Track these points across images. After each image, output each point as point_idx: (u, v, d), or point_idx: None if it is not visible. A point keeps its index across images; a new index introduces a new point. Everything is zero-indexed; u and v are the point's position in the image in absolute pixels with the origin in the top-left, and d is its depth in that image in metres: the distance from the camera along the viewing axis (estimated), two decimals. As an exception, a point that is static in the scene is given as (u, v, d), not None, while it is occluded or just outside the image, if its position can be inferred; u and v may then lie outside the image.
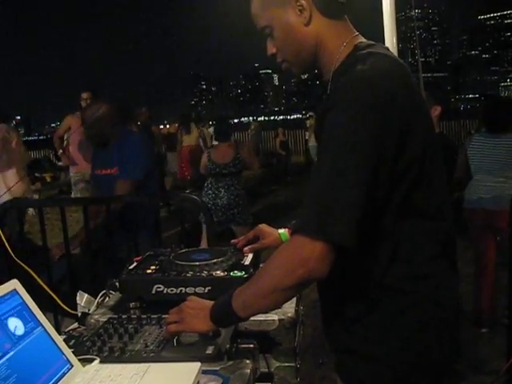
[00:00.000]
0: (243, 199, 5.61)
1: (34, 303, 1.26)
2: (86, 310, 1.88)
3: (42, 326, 1.25)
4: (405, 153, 1.28)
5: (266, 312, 1.52)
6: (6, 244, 2.56)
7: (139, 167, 3.54)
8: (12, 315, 1.18)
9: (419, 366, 1.38)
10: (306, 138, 17.29)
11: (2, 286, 1.20)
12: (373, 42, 1.45)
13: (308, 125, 16.69)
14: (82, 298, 1.96)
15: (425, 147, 1.33)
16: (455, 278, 1.47)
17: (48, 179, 13.20)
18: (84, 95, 6.60)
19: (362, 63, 1.31)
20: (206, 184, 5.69)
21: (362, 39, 1.47)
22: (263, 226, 1.98)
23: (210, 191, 5.56)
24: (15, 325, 1.18)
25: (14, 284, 1.23)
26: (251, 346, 1.55)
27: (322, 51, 1.46)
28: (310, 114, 17.39)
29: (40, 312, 1.26)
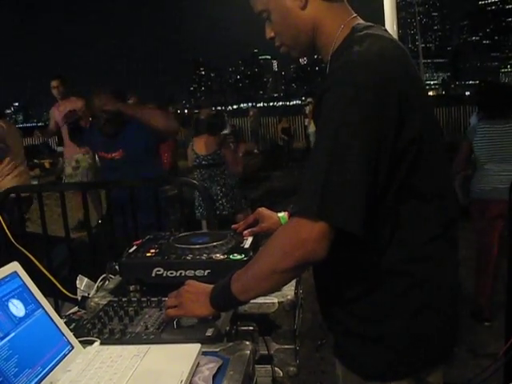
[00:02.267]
0: (232, 188, 5.59)
1: (34, 285, 1.26)
2: (86, 294, 1.89)
3: (43, 308, 1.25)
4: (403, 135, 1.27)
5: (266, 295, 1.52)
6: (6, 229, 2.57)
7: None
8: (13, 297, 1.19)
9: (418, 348, 1.39)
10: (306, 123, 17.28)
11: (3, 268, 1.20)
12: (371, 24, 1.44)
13: (307, 111, 16.66)
14: (82, 282, 1.97)
15: (423, 129, 1.32)
16: (455, 261, 1.47)
17: (47, 165, 13.16)
18: (54, 83, 6.69)
19: (359, 45, 1.31)
20: (195, 175, 5.68)
21: (360, 21, 1.46)
22: (262, 210, 1.98)
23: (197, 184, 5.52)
24: (16, 306, 1.18)
25: (15, 266, 1.24)
26: (251, 328, 1.56)
27: (320, 34, 1.45)
28: (310, 100, 17.34)
29: (40, 294, 1.27)
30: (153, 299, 1.60)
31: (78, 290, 1.96)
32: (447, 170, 1.47)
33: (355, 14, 1.47)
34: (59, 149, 6.98)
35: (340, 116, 1.24)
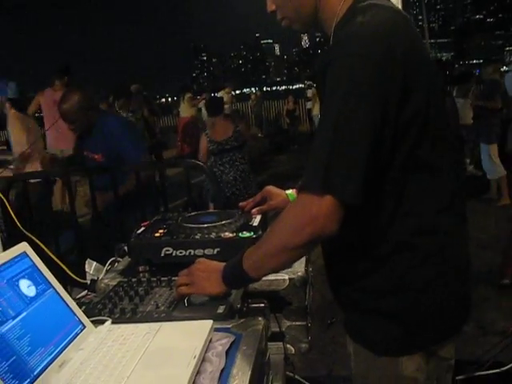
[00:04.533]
0: (249, 173, 5.50)
1: (44, 265, 1.26)
2: (95, 278, 1.89)
3: (53, 288, 1.25)
4: (408, 105, 1.25)
5: (277, 271, 1.51)
6: (13, 216, 2.56)
7: (136, 146, 3.55)
8: (23, 277, 1.18)
9: (429, 322, 1.37)
10: (308, 107, 17.20)
11: (12, 248, 1.20)
12: None
13: (310, 94, 16.57)
14: (91, 266, 1.97)
15: (429, 99, 1.30)
16: (464, 234, 1.46)
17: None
18: (57, 82, 6.36)
19: (363, 15, 1.28)
20: (209, 163, 5.46)
21: None
22: (270, 188, 1.97)
23: (214, 169, 5.34)
24: (27, 286, 1.18)
25: (24, 247, 1.23)
26: (262, 305, 1.55)
27: (323, 6, 1.42)
28: (310, 83, 17.22)
29: (50, 274, 1.26)
30: (163, 279, 1.60)
31: (88, 274, 1.96)
32: (454, 143, 1.45)
33: None
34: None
35: (344, 88, 1.22)
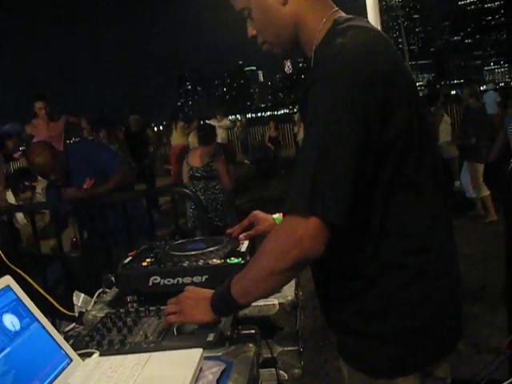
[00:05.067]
0: (221, 203, 5.47)
1: (28, 299, 1.23)
2: (84, 310, 1.86)
3: (39, 322, 1.22)
4: (390, 125, 1.26)
5: (266, 297, 1.49)
6: (-1, 249, 2.52)
7: (110, 155, 3.62)
8: (7, 311, 1.16)
9: (422, 342, 1.36)
10: (295, 131, 17.30)
11: (-5, 283, 1.17)
12: (352, 16, 1.43)
13: (296, 118, 16.69)
14: (79, 298, 1.94)
15: (411, 118, 1.31)
16: (453, 251, 1.46)
17: (38, 189, 13.04)
18: (38, 104, 6.51)
19: (342, 36, 1.30)
20: (189, 188, 5.49)
21: (342, 14, 1.45)
22: (257, 213, 1.96)
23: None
24: (11, 321, 1.15)
25: (7, 280, 1.21)
26: (252, 331, 1.52)
27: (302, 29, 1.43)
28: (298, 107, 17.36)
29: (36, 307, 1.24)
30: (151, 308, 1.58)
31: (76, 307, 1.92)
32: (437, 160, 1.46)
33: (336, 8, 1.46)
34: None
35: (326, 110, 1.23)
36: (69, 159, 3.63)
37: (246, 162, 18.11)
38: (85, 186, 3.55)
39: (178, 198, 3.59)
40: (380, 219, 1.32)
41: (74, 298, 1.95)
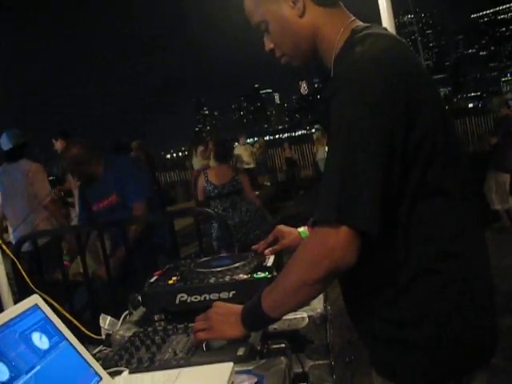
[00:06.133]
0: (255, 212, 5.43)
1: (56, 317, 1.23)
2: (110, 332, 1.85)
3: (67, 340, 1.22)
4: (415, 130, 1.25)
5: (297, 309, 1.47)
6: (25, 276, 2.54)
7: (143, 185, 3.64)
8: (36, 330, 1.15)
9: (455, 352, 1.32)
10: (314, 151, 17.33)
11: (23, 301, 1.17)
12: (369, 24, 1.42)
13: (315, 138, 16.72)
14: (105, 321, 1.93)
15: (435, 123, 1.29)
16: (485, 257, 1.42)
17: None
18: (58, 144, 6.28)
19: (361, 45, 1.29)
20: (212, 208, 5.30)
21: (359, 23, 1.44)
22: (282, 227, 1.95)
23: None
24: (40, 339, 1.15)
25: (35, 299, 1.20)
26: (282, 345, 1.50)
27: (321, 40, 1.43)
28: (317, 126, 17.41)
29: (64, 326, 1.23)
30: (179, 326, 1.56)
31: (102, 330, 1.91)
32: (466, 164, 1.43)
33: (354, 17, 1.45)
34: (70, 199, 6.89)
35: (350, 118, 1.22)
36: (107, 169, 3.74)
37: (266, 183, 18.14)
38: (106, 202, 3.65)
39: (201, 219, 3.58)
40: (409, 225, 1.30)
41: (101, 321, 1.94)
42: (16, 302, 2.32)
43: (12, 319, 1.11)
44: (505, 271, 5.15)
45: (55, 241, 3.29)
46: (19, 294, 2.66)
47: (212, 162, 8.11)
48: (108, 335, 1.82)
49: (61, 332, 1.21)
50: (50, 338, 1.17)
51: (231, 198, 5.41)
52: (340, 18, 1.43)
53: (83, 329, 2.10)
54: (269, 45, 1.49)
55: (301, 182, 16.42)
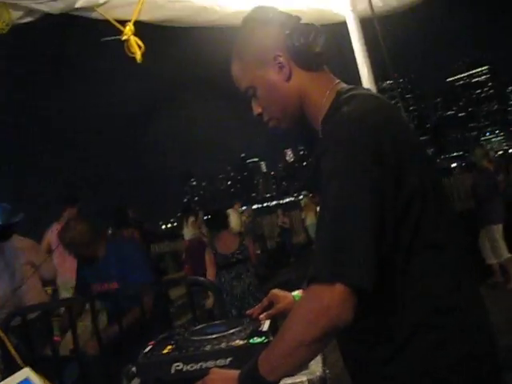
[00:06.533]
0: (255, 287, 5.37)
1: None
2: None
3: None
4: (405, 184, 1.27)
5: (295, 371, 1.43)
6: (13, 351, 2.47)
7: (147, 274, 3.52)
8: (28, 405, 1.11)
9: None
10: (303, 217, 17.38)
11: (15, 375, 1.14)
12: (353, 86, 1.48)
13: (303, 204, 16.81)
14: (99, 397, 1.87)
15: (422, 177, 1.32)
16: (482, 309, 1.41)
17: (49, 291, 12.96)
18: (69, 210, 6.24)
19: (347, 105, 1.34)
20: (218, 278, 5.37)
21: (343, 85, 1.50)
22: (276, 291, 1.93)
23: (224, 284, 5.26)
24: (32, 415, 1.11)
25: (26, 373, 1.17)
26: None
27: (308, 103, 1.48)
28: (304, 193, 17.57)
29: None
30: (176, 396, 1.51)
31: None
32: (456, 219, 1.45)
33: (338, 80, 1.51)
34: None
35: (340, 175, 1.25)
36: (108, 254, 3.60)
37: (256, 252, 18.03)
38: (106, 287, 3.51)
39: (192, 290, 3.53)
40: (404, 281, 1.30)
41: (94, 398, 1.88)
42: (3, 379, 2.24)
43: (4, 394, 1.07)
44: (503, 327, 5.08)
45: (45, 315, 3.22)
46: (7, 371, 2.58)
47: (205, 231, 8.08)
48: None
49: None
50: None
51: (238, 266, 5.34)
52: (325, 81, 1.48)
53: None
54: (257, 109, 1.54)
55: (292, 249, 16.34)
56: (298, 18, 1.50)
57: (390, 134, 1.28)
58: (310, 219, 15.13)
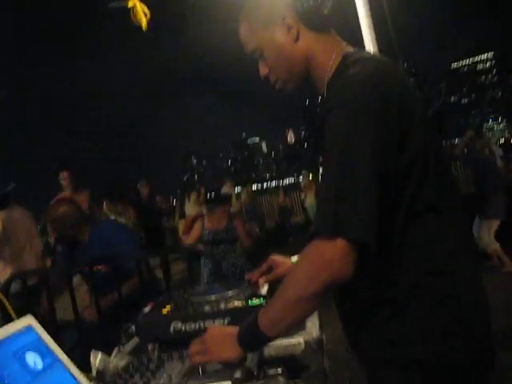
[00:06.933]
0: (241, 268, 5.13)
1: (50, 339, 1.20)
2: (102, 369, 1.80)
3: (61, 362, 1.19)
4: (407, 146, 1.28)
5: (294, 326, 1.44)
6: (13, 315, 2.49)
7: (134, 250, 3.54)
8: (29, 350, 1.13)
9: (456, 369, 1.31)
10: (302, 197, 17.40)
11: (17, 320, 1.16)
12: (360, 50, 1.48)
13: (303, 185, 16.81)
14: (96, 357, 1.88)
15: (426, 139, 1.33)
16: (478, 275, 1.43)
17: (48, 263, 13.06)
18: (63, 174, 6.38)
19: (353, 67, 1.35)
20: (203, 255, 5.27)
21: (350, 48, 1.50)
22: (275, 257, 1.95)
23: (207, 260, 5.16)
24: (33, 360, 1.13)
25: (29, 320, 1.19)
26: (279, 371, 1.48)
27: (314, 64, 1.48)
28: (304, 172, 17.54)
29: (57, 347, 1.21)
30: (174, 353, 1.53)
31: (93, 368, 1.87)
32: (455, 185, 1.46)
33: (345, 43, 1.51)
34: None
35: (344, 134, 1.25)
36: (91, 237, 3.56)
37: (255, 230, 18.07)
38: (96, 268, 3.48)
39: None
40: (403, 243, 1.31)
41: (92, 358, 1.89)
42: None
43: (5, 338, 1.09)
44: (499, 308, 5.13)
45: (43, 281, 3.25)
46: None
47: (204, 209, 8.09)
48: (99, 372, 1.78)
49: (54, 353, 1.19)
50: (43, 359, 1.15)
51: (224, 245, 5.19)
52: (332, 44, 1.49)
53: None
54: (264, 70, 1.54)
55: (291, 229, 16.37)
56: None
57: (395, 97, 1.29)
58: (310, 200, 15.11)
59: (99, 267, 3.48)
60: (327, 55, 1.46)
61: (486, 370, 1.38)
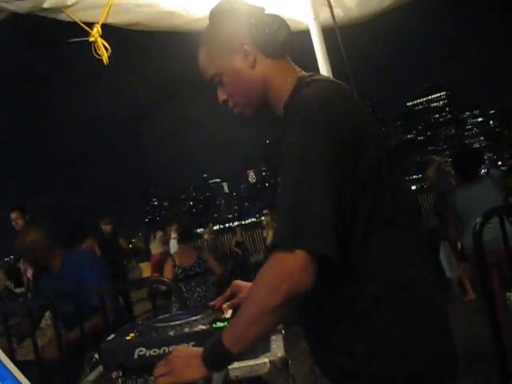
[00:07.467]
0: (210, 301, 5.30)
1: (4, 355, 1.19)
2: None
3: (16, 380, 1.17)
4: (361, 161, 1.33)
5: (258, 341, 1.43)
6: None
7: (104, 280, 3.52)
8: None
9: (419, 380, 1.34)
10: (265, 235, 17.41)
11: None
12: (313, 73, 1.56)
13: (265, 223, 16.84)
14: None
15: (378, 154, 1.38)
16: (437, 287, 1.47)
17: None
18: (13, 215, 6.30)
19: (307, 88, 1.42)
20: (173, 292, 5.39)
21: (304, 72, 1.57)
22: (239, 282, 1.96)
23: (176, 298, 5.30)
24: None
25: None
26: (245, 392, 1.49)
27: (271, 89, 1.54)
28: (265, 212, 17.60)
29: (13, 365, 1.19)
30: (139, 380, 1.52)
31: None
32: (413, 202, 1.51)
33: (299, 68, 1.58)
34: (18, 289, 6.66)
35: (301, 148, 1.30)
36: (63, 267, 3.58)
37: (219, 267, 17.92)
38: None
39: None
40: (362, 257, 1.35)
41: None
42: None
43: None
44: (461, 338, 5.16)
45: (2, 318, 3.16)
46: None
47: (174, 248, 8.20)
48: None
49: (9, 371, 1.17)
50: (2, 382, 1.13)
51: (195, 279, 5.43)
52: (287, 69, 1.56)
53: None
54: (222, 96, 1.59)
55: (251, 267, 16.33)
56: (263, 9, 1.57)
57: (349, 113, 1.36)
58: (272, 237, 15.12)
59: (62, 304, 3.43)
60: (283, 79, 1.53)
61: (450, 381, 1.41)
